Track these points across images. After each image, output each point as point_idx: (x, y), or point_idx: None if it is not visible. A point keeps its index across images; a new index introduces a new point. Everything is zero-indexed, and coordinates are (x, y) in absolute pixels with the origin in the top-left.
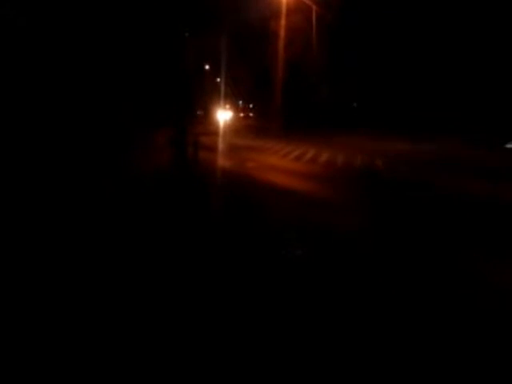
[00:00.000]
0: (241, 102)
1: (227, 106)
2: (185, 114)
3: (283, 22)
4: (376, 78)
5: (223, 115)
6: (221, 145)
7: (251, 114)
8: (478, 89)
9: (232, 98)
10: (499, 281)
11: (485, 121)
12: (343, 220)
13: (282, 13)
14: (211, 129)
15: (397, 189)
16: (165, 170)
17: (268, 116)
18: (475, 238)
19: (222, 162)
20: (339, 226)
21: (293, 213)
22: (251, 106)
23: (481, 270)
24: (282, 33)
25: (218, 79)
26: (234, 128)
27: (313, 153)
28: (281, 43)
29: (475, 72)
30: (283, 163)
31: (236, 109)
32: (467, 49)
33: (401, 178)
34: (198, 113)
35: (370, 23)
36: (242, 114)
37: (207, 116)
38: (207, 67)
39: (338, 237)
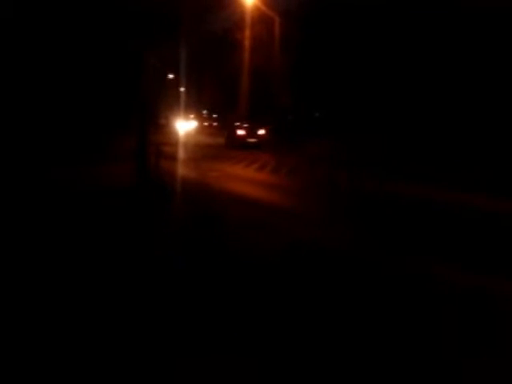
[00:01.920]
0: (205, 112)
1: (191, 116)
2: (147, 123)
3: (247, 32)
4: (338, 89)
5: (187, 124)
6: (184, 154)
7: (215, 124)
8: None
9: (196, 108)
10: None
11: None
12: (305, 229)
13: (246, 23)
14: (174, 138)
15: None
16: (125, 182)
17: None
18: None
19: (184, 171)
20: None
21: (252, 222)
22: (215, 115)
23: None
24: (246, 43)
25: (182, 88)
26: (198, 137)
27: (276, 162)
28: (245, 53)
29: (435, 85)
30: (247, 173)
31: (200, 118)
32: (426, 63)
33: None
34: (161, 122)
35: (332, 36)
36: (206, 124)
37: (170, 125)
38: (171, 76)
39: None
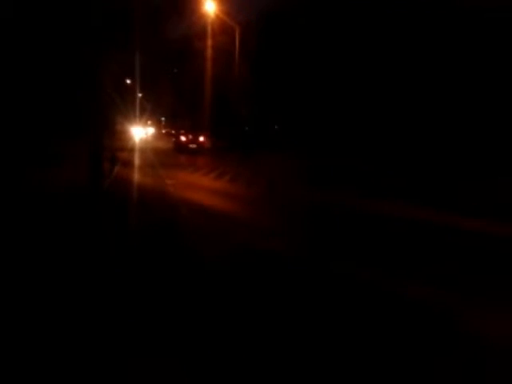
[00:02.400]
0: (163, 119)
1: (149, 122)
2: (101, 128)
3: (208, 42)
4: (297, 102)
5: (143, 131)
6: (140, 161)
7: (173, 131)
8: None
9: (155, 114)
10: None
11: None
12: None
13: (207, 33)
14: (131, 144)
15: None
16: (76, 188)
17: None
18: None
19: (139, 178)
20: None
21: (205, 230)
22: (173, 122)
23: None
24: (207, 52)
25: (140, 94)
26: (156, 144)
27: (233, 172)
28: (205, 62)
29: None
30: (203, 181)
31: (158, 125)
32: (391, 74)
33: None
34: (118, 128)
35: (292, 48)
36: (164, 131)
37: (127, 131)
38: (128, 82)
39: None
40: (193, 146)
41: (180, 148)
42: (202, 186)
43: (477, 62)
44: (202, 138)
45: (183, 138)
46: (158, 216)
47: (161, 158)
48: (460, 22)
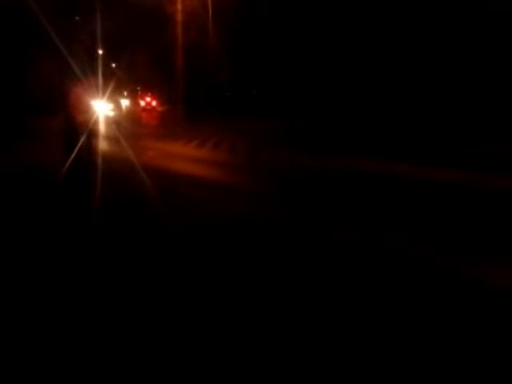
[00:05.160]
0: (139, 88)
1: (125, 93)
2: (74, 100)
3: (179, 6)
4: (275, 66)
5: (121, 102)
6: (118, 133)
7: (154, 103)
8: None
9: (130, 84)
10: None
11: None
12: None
13: None
14: (108, 116)
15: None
16: (50, 163)
17: (168, 102)
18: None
19: (118, 151)
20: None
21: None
22: (150, 92)
23: None
24: (178, 17)
25: (114, 64)
26: (133, 115)
27: (214, 140)
28: (177, 28)
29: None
30: (185, 151)
31: (135, 95)
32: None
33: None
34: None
35: (268, 12)
36: (142, 102)
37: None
38: (101, 52)
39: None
40: (148, 107)
41: (141, 108)
42: (183, 156)
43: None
44: (154, 103)
45: (142, 103)
46: (139, 188)
47: (139, 129)
48: None
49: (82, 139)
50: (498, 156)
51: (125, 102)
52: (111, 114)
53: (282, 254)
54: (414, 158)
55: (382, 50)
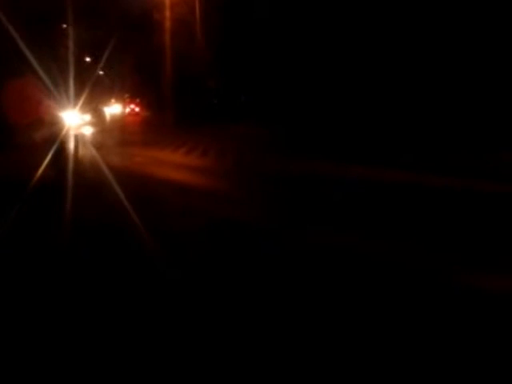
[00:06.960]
0: (127, 96)
1: (113, 100)
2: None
3: (167, 13)
4: (264, 73)
5: (103, 111)
6: (105, 139)
7: (137, 109)
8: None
9: (118, 92)
10: None
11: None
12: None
13: (166, 4)
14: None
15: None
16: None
17: (157, 109)
18: None
19: (106, 157)
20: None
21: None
22: (138, 99)
23: None
24: (166, 24)
25: (101, 72)
26: (121, 122)
27: (203, 147)
28: (165, 35)
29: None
30: (173, 158)
31: (122, 102)
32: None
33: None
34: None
35: (257, 19)
36: (128, 108)
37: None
38: (88, 59)
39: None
40: (133, 113)
41: (127, 114)
42: (171, 162)
43: None
44: (137, 109)
45: (128, 109)
46: (128, 192)
47: (127, 136)
48: None
49: (50, 154)
50: (487, 162)
51: (112, 110)
52: (88, 126)
53: (264, 259)
54: (408, 165)
55: (375, 56)
